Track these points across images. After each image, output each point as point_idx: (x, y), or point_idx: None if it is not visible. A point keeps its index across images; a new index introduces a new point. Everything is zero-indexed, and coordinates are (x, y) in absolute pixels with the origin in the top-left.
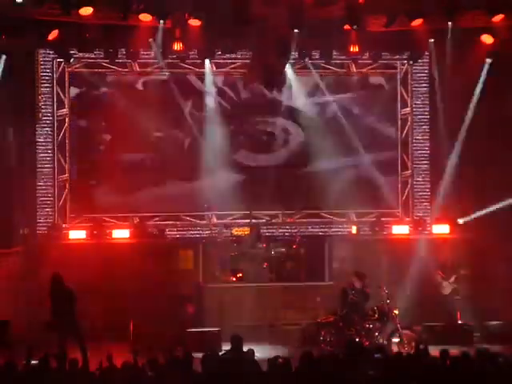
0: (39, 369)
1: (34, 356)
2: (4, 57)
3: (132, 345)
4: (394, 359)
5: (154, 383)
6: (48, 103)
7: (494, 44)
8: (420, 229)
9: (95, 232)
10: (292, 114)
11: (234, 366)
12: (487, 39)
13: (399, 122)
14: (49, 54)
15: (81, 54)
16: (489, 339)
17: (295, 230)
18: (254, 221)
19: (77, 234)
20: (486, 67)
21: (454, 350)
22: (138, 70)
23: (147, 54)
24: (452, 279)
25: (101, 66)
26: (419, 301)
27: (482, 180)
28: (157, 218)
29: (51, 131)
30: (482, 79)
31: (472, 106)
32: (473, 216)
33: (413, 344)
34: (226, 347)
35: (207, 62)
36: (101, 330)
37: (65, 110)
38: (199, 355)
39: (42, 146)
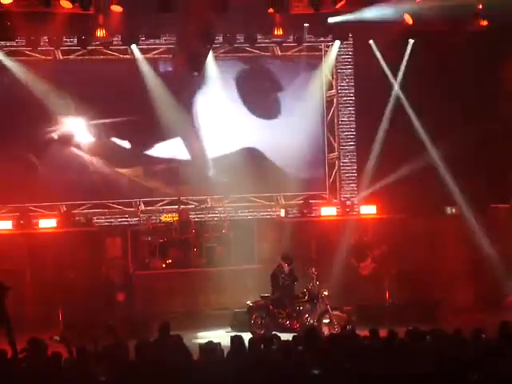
0: None
1: None
2: None
3: (61, 334)
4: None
5: (84, 372)
6: None
7: (416, 24)
8: (348, 210)
9: (21, 222)
10: None
11: (161, 352)
12: (409, 19)
13: (324, 104)
14: None
15: (2, 43)
16: (419, 318)
17: (224, 215)
18: (182, 207)
19: (2, 225)
20: (409, 47)
21: (385, 330)
22: (61, 57)
23: (70, 41)
24: (368, 261)
25: (23, 54)
26: (350, 282)
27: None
28: (84, 206)
29: None
30: (404, 59)
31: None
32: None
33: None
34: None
35: (134, 47)
36: (30, 321)
37: None
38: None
39: None
